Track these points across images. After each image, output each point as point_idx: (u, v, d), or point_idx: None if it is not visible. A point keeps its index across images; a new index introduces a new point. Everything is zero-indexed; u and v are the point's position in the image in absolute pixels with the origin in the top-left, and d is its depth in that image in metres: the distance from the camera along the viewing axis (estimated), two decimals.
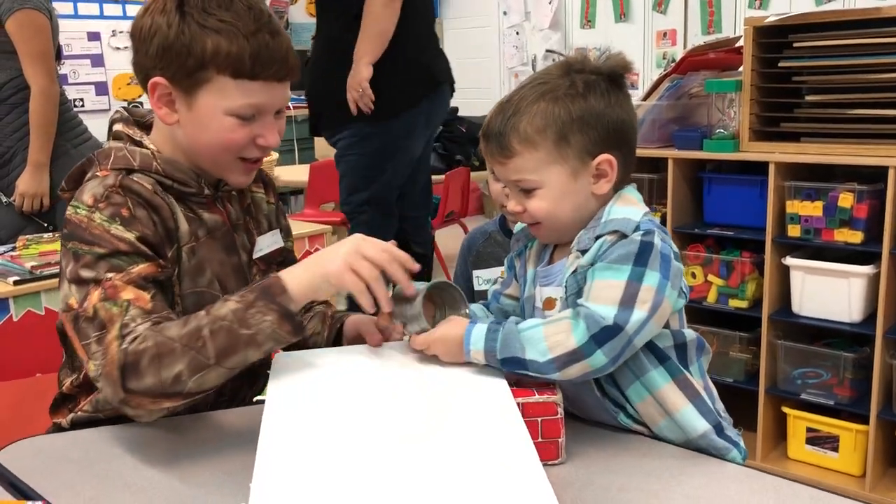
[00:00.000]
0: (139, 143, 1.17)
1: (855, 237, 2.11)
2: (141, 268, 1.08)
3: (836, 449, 2.25)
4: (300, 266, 1.09)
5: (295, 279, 1.05)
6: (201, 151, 1.16)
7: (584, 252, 1.06)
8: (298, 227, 2.40)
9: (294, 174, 4.69)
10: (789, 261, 2.21)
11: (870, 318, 2.14)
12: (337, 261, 1.05)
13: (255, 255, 1.28)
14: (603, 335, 0.97)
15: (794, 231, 2.19)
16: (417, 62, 2.92)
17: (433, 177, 4.55)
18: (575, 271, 1.06)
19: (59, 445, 1.10)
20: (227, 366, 1.01)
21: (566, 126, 1.06)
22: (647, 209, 1.10)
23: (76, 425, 1.20)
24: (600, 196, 1.09)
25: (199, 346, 0.99)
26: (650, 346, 1.05)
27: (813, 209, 2.15)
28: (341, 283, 1.05)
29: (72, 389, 1.23)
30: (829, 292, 2.15)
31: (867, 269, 2.10)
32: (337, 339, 1.29)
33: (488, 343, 1.01)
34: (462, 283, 1.55)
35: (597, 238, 1.05)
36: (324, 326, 1.33)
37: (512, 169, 1.09)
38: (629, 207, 1.08)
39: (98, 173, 1.14)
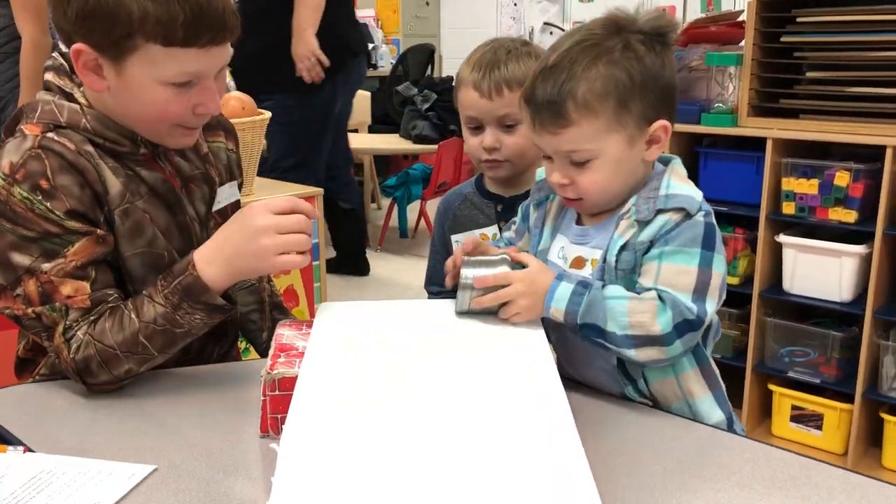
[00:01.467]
0: (69, 97, 1.09)
1: (849, 216, 2.10)
2: (77, 248, 1.04)
3: (819, 427, 2.26)
4: (220, 258, 1.04)
5: (216, 276, 1.04)
6: (135, 120, 1.09)
7: (641, 223, 1.01)
8: (289, 188, 2.37)
9: None
10: (782, 238, 2.21)
11: (860, 298, 2.14)
12: (261, 254, 1.02)
13: (214, 209, 1.24)
14: (685, 326, 0.97)
15: (788, 208, 2.18)
16: (332, 34, 3.03)
17: (426, 146, 4.55)
18: (626, 243, 1.01)
19: (39, 395, 1.08)
20: (172, 352, 1.07)
21: (627, 91, 0.99)
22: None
23: None
24: (649, 163, 1.06)
25: (140, 350, 1.04)
26: None
27: (808, 187, 2.14)
28: (275, 270, 1.06)
29: (26, 353, 1.22)
30: (820, 271, 2.15)
31: (860, 249, 2.10)
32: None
33: (571, 304, 0.98)
34: (440, 249, 1.51)
35: (657, 212, 1.00)
36: (262, 318, 1.36)
37: (566, 139, 1.01)
38: (688, 185, 1.04)
39: (23, 127, 1.07)
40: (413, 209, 4.83)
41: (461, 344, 1.00)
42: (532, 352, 0.96)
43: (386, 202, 5.00)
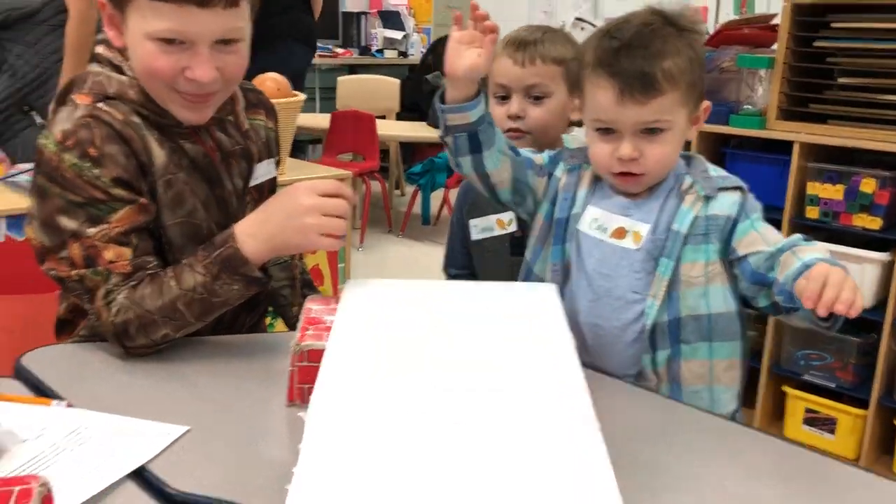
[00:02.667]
0: (118, 69, 1.13)
1: (874, 223, 2.10)
2: (121, 216, 1.08)
3: (832, 431, 2.27)
4: (261, 233, 1.08)
5: (256, 250, 1.08)
6: (139, 79, 1.12)
7: (707, 199, 1.11)
8: (320, 171, 2.41)
9: (314, 122, 4.68)
10: None
11: (880, 304, 2.14)
12: (304, 232, 1.06)
13: (251, 184, 1.28)
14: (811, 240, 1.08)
15: (812, 213, 2.19)
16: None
17: None
18: (696, 215, 1.10)
19: (80, 355, 1.13)
20: (208, 321, 1.12)
21: (697, 69, 1.10)
22: None
23: None
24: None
25: (177, 317, 1.08)
26: (739, 318, 1.13)
27: (834, 192, 2.14)
28: (314, 249, 1.12)
29: (67, 314, 1.26)
30: None
31: (882, 256, 2.10)
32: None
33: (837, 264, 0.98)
34: (458, 232, 1.54)
35: (718, 190, 1.11)
36: (293, 294, 1.38)
37: (653, 108, 1.07)
38: (718, 167, 1.17)
39: (74, 97, 1.11)
40: (436, 197, 4.86)
41: (484, 324, 1.02)
42: (552, 334, 0.99)
43: (409, 189, 5.04)
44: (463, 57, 1.08)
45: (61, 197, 1.07)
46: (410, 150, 5.80)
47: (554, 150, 1.26)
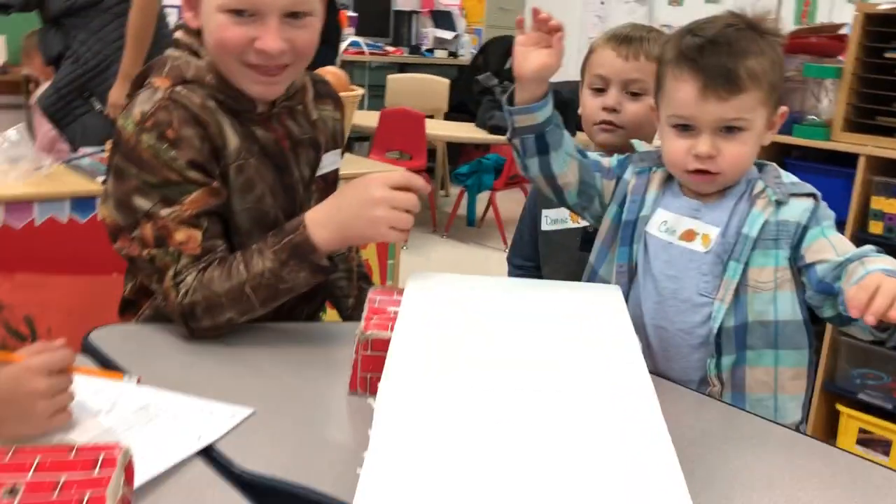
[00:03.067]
0: (196, 54, 1.15)
1: None
2: (194, 198, 1.09)
3: (887, 453, 2.22)
4: (332, 223, 1.09)
5: (325, 240, 1.08)
6: (213, 56, 1.13)
7: (779, 203, 1.09)
8: (374, 166, 2.42)
9: (362, 119, 4.70)
10: None
11: None
12: (374, 223, 1.06)
13: (318, 173, 1.29)
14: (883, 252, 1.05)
15: (875, 228, 2.14)
16: None
17: (501, 137, 4.55)
18: (767, 220, 1.09)
19: (145, 335, 1.14)
20: (272, 307, 1.12)
21: (778, 71, 1.09)
22: None
23: None
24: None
25: (244, 300, 1.09)
26: (806, 327, 1.12)
27: None
28: (383, 240, 1.12)
29: (132, 294, 1.28)
30: None
31: None
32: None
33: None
34: (529, 222, 1.53)
35: (790, 196, 1.09)
36: (350, 286, 1.40)
37: (733, 105, 1.06)
38: (792, 174, 1.15)
39: (154, 81, 1.13)
40: (482, 199, 4.86)
41: (548, 322, 1.01)
42: (618, 336, 0.98)
43: (454, 190, 5.04)
44: (530, 58, 1.09)
45: (137, 177, 1.09)
46: (457, 150, 5.80)
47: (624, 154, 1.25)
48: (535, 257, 1.53)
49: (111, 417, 0.87)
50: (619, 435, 0.77)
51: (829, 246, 1.06)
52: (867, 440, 2.24)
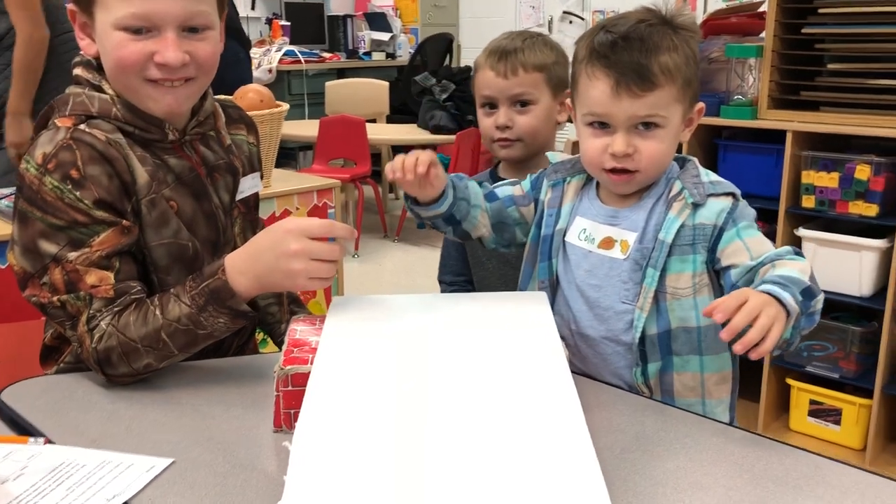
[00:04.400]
0: (98, 88, 1.13)
1: (870, 210, 2.08)
2: (103, 239, 1.06)
3: (838, 422, 2.25)
4: (250, 271, 1.05)
5: (244, 287, 1.05)
6: (114, 79, 1.11)
7: (696, 206, 1.07)
8: (307, 180, 2.39)
9: (303, 129, 4.65)
10: (802, 232, 2.19)
11: (880, 292, 2.12)
12: (291, 276, 1.04)
13: (238, 198, 1.27)
14: (801, 253, 1.04)
15: (808, 202, 2.17)
16: None
17: (444, 137, 4.54)
18: (683, 224, 1.07)
19: (62, 387, 1.10)
20: (193, 352, 1.09)
21: (692, 68, 1.08)
22: None
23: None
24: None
25: (161, 347, 1.05)
26: None
27: (829, 180, 2.12)
28: (302, 290, 1.10)
29: (53, 341, 1.24)
30: (840, 265, 2.13)
31: (880, 243, 2.08)
32: None
33: (787, 291, 0.92)
34: (453, 241, 1.53)
35: (708, 196, 1.07)
36: (280, 311, 1.38)
37: (647, 103, 1.05)
38: (712, 173, 1.13)
39: (56, 121, 1.10)
40: None
41: (473, 339, 1.00)
42: (543, 347, 0.97)
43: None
44: (414, 191, 1.10)
45: (42, 221, 1.05)
46: (403, 152, 5.76)
47: (538, 163, 1.25)
48: (465, 271, 1.52)
49: (20, 483, 0.83)
50: (541, 442, 0.77)
51: (743, 248, 1.05)
52: (818, 411, 2.28)
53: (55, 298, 1.06)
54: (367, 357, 0.95)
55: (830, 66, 2.15)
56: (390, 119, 5.41)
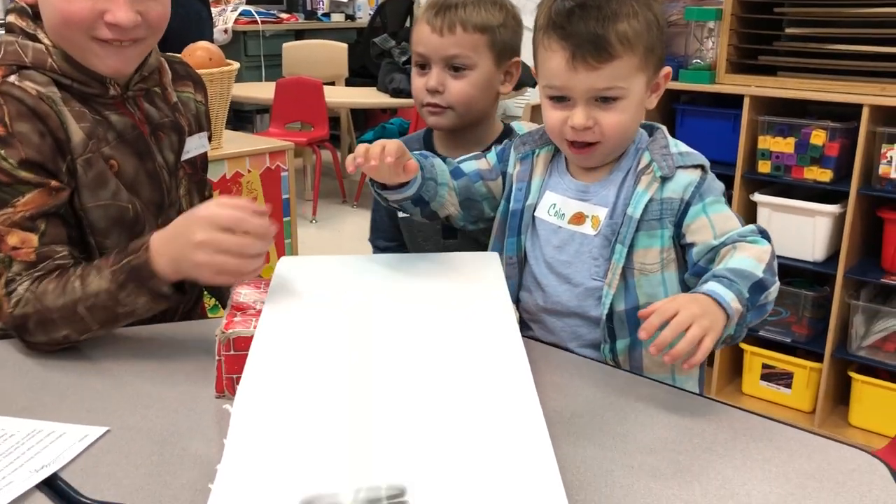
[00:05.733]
0: (33, 37, 1.06)
1: (824, 176, 2.09)
2: (28, 200, 1.01)
3: (789, 385, 2.28)
4: (168, 254, 0.97)
5: (165, 268, 0.97)
6: (55, 33, 1.05)
7: (664, 179, 1.03)
8: (260, 142, 2.33)
9: (260, 91, 4.55)
10: (757, 197, 2.20)
11: (832, 257, 2.14)
12: (197, 268, 0.95)
13: (183, 158, 1.22)
14: (765, 233, 1.01)
15: (764, 167, 2.17)
16: None
17: (404, 100, 4.48)
18: (651, 198, 1.03)
19: None
20: (114, 328, 1.03)
21: (655, 34, 1.02)
22: None
23: None
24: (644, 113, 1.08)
25: (78, 320, 0.99)
26: None
27: (785, 145, 2.12)
28: (211, 284, 1.09)
29: None
30: (794, 230, 2.15)
31: (833, 209, 2.09)
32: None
33: (734, 290, 0.90)
34: (382, 206, 1.46)
35: (677, 168, 1.03)
36: None
37: (605, 74, 1.00)
38: (682, 142, 1.09)
39: None
40: None
41: (421, 299, 0.98)
42: (493, 308, 0.95)
43: None
44: (382, 176, 1.02)
45: None
46: (362, 116, 5.69)
47: (475, 135, 1.21)
48: (398, 236, 1.45)
49: None
50: (490, 409, 0.75)
51: (707, 226, 1.02)
52: (770, 374, 2.31)
53: None
54: (312, 320, 0.92)
55: (789, 31, 2.14)
56: (349, 82, 5.31)
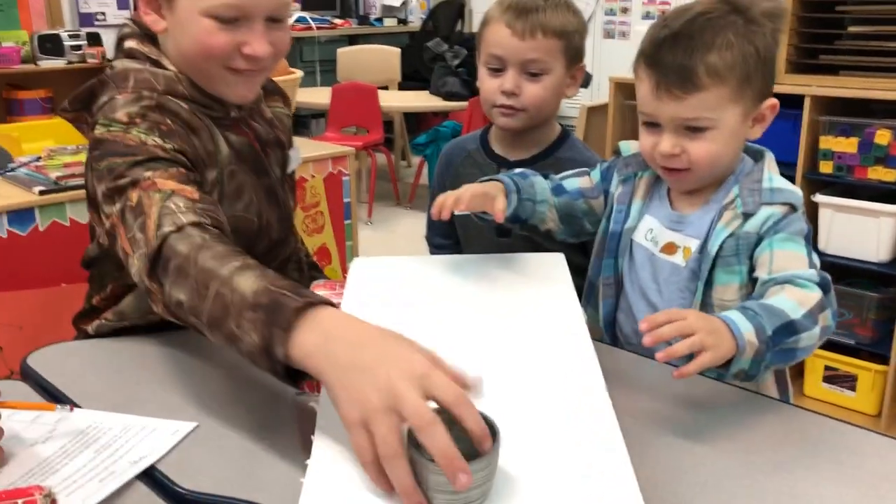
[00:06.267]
0: (157, 63, 1.09)
1: (889, 175, 2.06)
2: (181, 170, 1.01)
3: (853, 388, 2.25)
4: (329, 354, 0.74)
5: (308, 348, 0.75)
6: (188, 61, 1.07)
7: (746, 215, 1.02)
8: (322, 148, 2.38)
9: (316, 96, 4.64)
10: (819, 198, 2.17)
11: None
12: (352, 428, 0.69)
13: (288, 171, 1.27)
14: (825, 284, 0.96)
15: (826, 168, 2.15)
16: None
17: (457, 103, 4.51)
18: (732, 233, 1.02)
19: (86, 352, 1.11)
20: (208, 333, 0.86)
21: (752, 64, 1.00)
22: None
23: (100, 334, 1.20)
24: (745, 143, 1.06)
25: (201, 296, 0.85)
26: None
27: (847, 145, 2.10)
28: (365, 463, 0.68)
29: (99, 303, 1.24)
30: (857, 231, 2.12)
31: None
32: None
33: (755, 322, 0.89)
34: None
35: (762, 205, 1.01)
36: (301, 277, 1.32)
37: (691, 105, 0.99)
38: (784, 179, 1.06)
39: (118, 96, 1.05)
40: None
41: (492, 301, 1.01)
42: (564, 313, 0.97)
43: (416, 160, 5.00)
44: (471, 207, 1.06)
45: (124, 164, 0.98)
46: (415, 119, 5.74)
47: (537, 137, 1.22)
48: (453, 234, 1.47)
49: (48, 447, 0.84)
50: (563, 407, 0.78)
51: (767, 261, 1.00)
52: (833, 377, 2.28)
53: (132, 195, 0.95)
54: (387, 321, 0.95)
55: (851, 30, 2.11)
56: (402, 86, 5.37)
